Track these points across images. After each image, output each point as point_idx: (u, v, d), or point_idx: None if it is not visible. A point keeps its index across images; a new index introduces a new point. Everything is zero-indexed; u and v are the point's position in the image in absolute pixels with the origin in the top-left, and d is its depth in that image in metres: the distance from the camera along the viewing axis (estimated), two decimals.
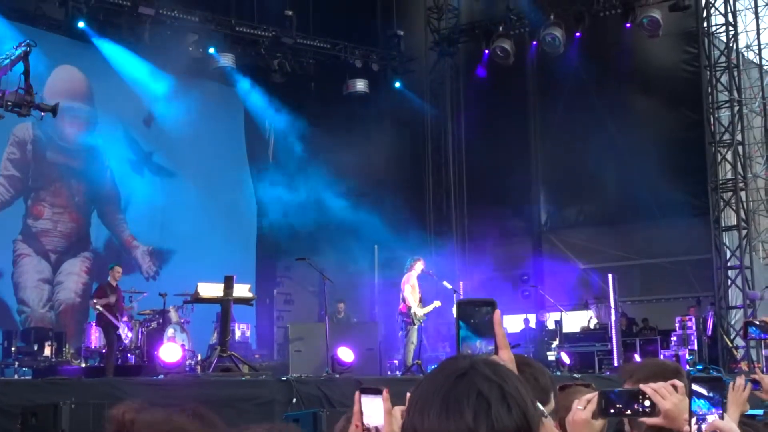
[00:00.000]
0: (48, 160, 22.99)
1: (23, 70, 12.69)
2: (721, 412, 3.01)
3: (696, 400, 3.01)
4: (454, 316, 2.61)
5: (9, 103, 11.96)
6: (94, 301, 17.92)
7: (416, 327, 17.83)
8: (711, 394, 3.01)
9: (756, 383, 5.41)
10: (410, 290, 17.90)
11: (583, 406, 3.26)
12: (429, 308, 18.07)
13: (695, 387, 3.03)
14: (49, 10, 22.79)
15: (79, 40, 23.46)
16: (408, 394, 2.27)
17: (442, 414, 2.10)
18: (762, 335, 6.52)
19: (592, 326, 24.16)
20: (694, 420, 3.01)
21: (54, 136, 23.55)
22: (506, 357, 2.53)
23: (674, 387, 3.23)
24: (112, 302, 17.71)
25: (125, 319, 18.39)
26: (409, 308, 17.75)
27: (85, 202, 24.35)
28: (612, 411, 3.21)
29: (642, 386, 3.23)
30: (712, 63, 24.42)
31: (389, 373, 19.10)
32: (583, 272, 26.83)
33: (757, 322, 6.24)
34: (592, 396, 3.26)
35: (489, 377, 2.13)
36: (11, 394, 10.67)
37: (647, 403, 3.18)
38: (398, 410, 2.62)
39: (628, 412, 3.22)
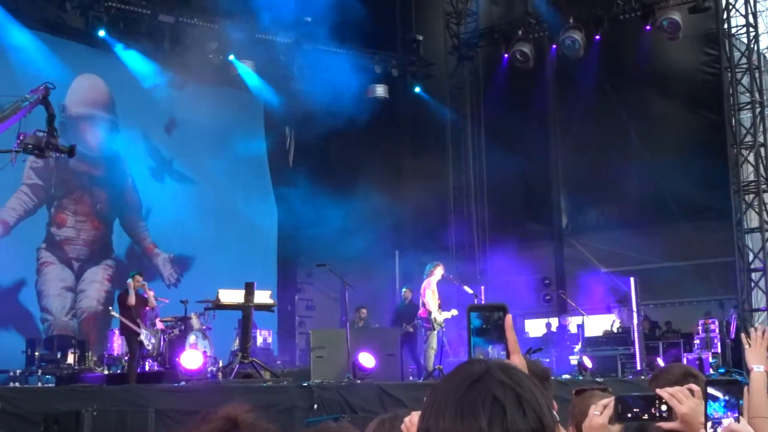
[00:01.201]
0: (70, 168, 23.05)
1: (47, 115, 12.78)
2: (737, 415, 2.99)
3: (712, 403, 3.00)
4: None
5: (29, 146, 12.05)
6: (112, 311, 18.07)
7: (436, 332, 17.82)
8: (727, 398, 3.00)
9: None
10: (431, 295, 17.91)
11: (600, 411, 3.26)
12: (447, 315, 18.04)
13: (711, 390, 3.01)
14: (70, 19, 22.92)
15: (101, 49, 23.59)
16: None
17: (456, 418, 2.09)
18: None
19: (615, 330, 24.08)
20: (709, 424, 2.99)
21: (76, 144, 23.58)
22: (518, 362, 2.52)
23: (691, 391, 3.21)
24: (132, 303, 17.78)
25: (159, 325, 18.44)
26: (430, 313, 17.75)
27: (107, 210, 24.44)
28: (629, 416, 3.20)
29: (659, 391, 3.22)
30: (732, 65, 24.33)
31: (411, 378, 19.07)
32: (604, 276, 26.76)
33: None
34: (609, 401, 3.25)
35: (504, 382, 2.12)
36: (34, 402, 10.72)
37: (664, 407, 3.16)
38: (416, 415, 2.61)
39: (645, 416, 3.21)
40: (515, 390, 2.11)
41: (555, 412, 3.75)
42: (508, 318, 2.56)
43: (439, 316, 17.78)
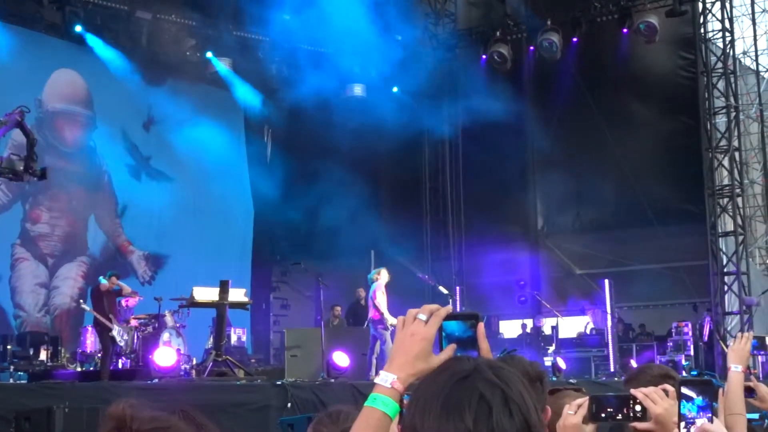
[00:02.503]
0: (46, 163, 22.89)
1: (27, 140, 12.76)
2: (710, 416, 3.00)
3: (685, 403, 3.01)
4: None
5: (6, 170, 12.04)
6: (83, 304, 18.01)
7: (389, 332, 17.60)
8: (701, 398, 3.00)
9: (751, 392, 5.41)
10: (381, 296, 17.60)
11: (574, 410, 3.26)
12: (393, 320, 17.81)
13: (685, 390, 3.02)
14: (47, 13, 22.77)
15: (78, 44, 23.48)
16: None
17: (442, 416, 2.09)
18: (757, 352, 6.47)
19: (588, 332, 24.18)
20: (683, 424, 3.00)
21: (53, 139, 23.55)
22: None
23: (665, 392, 3.22)
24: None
25: (132, 323, 18.38)
26: (382, 314, 17.44)
27: (82, 207, 24.33)
28: (603, 416, 3.20)
29: (633, 391, 3.22)
30: (708, 69, 24.41)
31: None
32: (579, 278, 26.85)
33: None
34: (583, 401, 3.25)
35: (492, 381, 2.12)
36: (5, 399, 10.66)
37: (638, 407, 3.17)
38: (414, 311, 2.59)
39: (619, 416, 3.21)
40: (503, 389, 2.10)
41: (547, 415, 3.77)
42: (481, 326, 2.57)
43: (391, 318, 17.37)
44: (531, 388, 2.19)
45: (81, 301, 18.44)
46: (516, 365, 3.85)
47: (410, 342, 2.49)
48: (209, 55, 24.83)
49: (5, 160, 12.06)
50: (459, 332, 2.55)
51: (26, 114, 12.99)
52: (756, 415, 6.71)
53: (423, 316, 2.51)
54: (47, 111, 23.41)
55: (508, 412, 2.08)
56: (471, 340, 2.54)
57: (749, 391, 5.32)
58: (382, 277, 18.03)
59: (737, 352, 4.94)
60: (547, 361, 22.05)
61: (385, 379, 2.44)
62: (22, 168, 12.15)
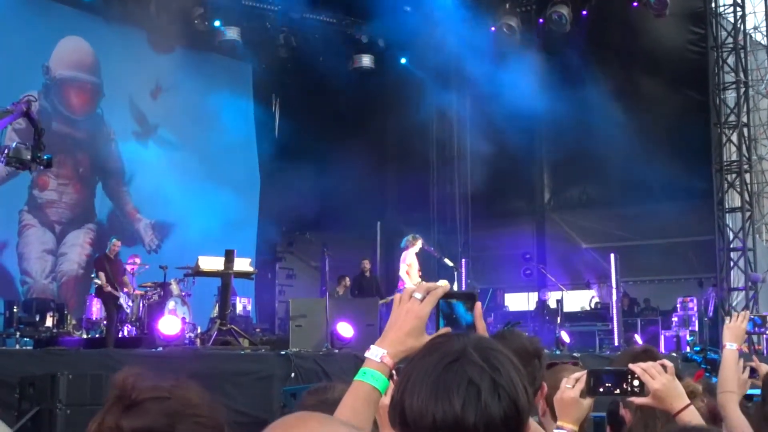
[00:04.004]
0: (54, 130, 22.91)
1: (34, 129, 12.78)
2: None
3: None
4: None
5: (13, 159, 12.07)
6: (96, 278, 18.11)
7: None
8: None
9: (754, 371, 5.44)
10: (405, 269, 17.87)
11: (572, 384, 3.26)
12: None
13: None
14: None
15: (87, 12, 23.44)
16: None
17: (431, 398, 2.09)
18: (759, 329, 6.48)
19: (593, 306, 24.20)
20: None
21: (60, 106, 23.56)
22: None
23: (664, 367, 3.22)
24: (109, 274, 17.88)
25: (126, 290, 18.45)
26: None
27: (89, 174, 24.36)
28: (601, 390, 3.21)
29: (631, 366, 3.23)
30: (718, 44, 24.32)
31: None
32: (585, 252, 26.84)
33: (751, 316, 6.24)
34: (581, 374, 3.26)
35: (480, 365, 2.12)
36: (10, 365, 10.70)
37: (636, 382, 3.18)
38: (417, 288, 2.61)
39: (617, 391, 3.22)
40: (491, 373, 2.11)
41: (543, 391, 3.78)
42: (478, 306, 2.57)
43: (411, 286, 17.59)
44: (522, 368, 2.20)
45: (92, 276, 18.54)
46: (514, 340, 3.86)
47: (404, 318, 2.53)
48: (217, 23, 24.76)
49: (12, 150, 12.09)
50: (456, 312, 2.55)
51: (33, 103, 13.01)
52: (758, 391, 6.73)
53: (419, 295, 2.54)
54: (54, 78, 23.40)
55: (496, 396, 2.08)
56: (469, 324, 2.55)
57: (752, 371, 5.36)
58: (414, 246, 18.09)
59: (733, 330, 4.96)
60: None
61: (376, 353, 2.48)
62: (29, 157, 12.18)
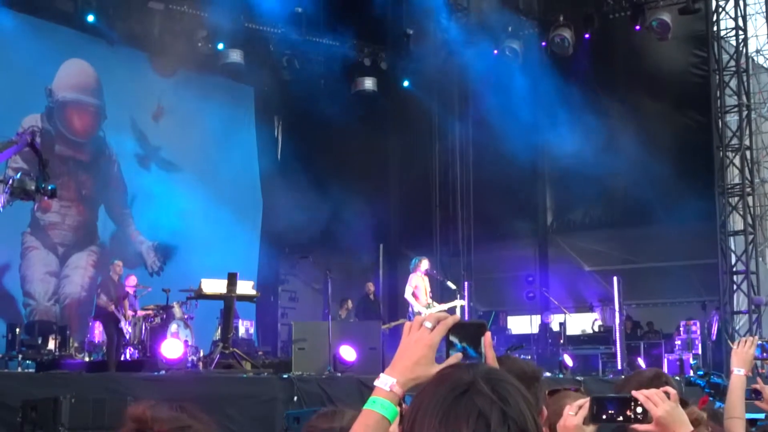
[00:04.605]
0: (56, 152, 22.98)
1: (39, 160, 12.88)
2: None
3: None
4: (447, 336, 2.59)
5: (18, 189, 12.14)
6: (102, 299, 18.10)
7: None
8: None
9: (758, 394, 5.41)
10: (411, 290, 17.88)
11: (575, 411, 3.25)
12: (445, 306, 17.91)
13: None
14: (60, 3, 22.80)
15: (89, 34, 23.51)
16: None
17: (441, 430, 2.10)
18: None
19: (595, 329, 24.17)
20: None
21: (63, 129, 23.61)
22: None
23: (667, 394, 3.21)
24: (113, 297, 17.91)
25: (131, 313, 18.45)
26: (413, 308, 17.73)
27: (92, 196, 24.37)
28: (603, 417, 3.19)
29: (634, 392, 3.21)
30: (721, 67, 24.34)
31: None
32: (588, 275, 26.82)
33: (759, 341, 6.15)
34: (584, 401, 3.24)
35: (490, 396, 2.12)
36: (12, 388, 10.69)
37: (639, 409, 3.16)
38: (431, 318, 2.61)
39: (620, 418, 3.20)
40: (500, 405, 2.11)
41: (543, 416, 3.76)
42: (487, 335, 2.57)
43: (425, 310, 17.68)
44: (529, 395, 2.20)
45: (100, 297, 18.62)
46: (512, 365, 3.85)
47: (414, 347, 2.52)
48: (220, 46, 24.82)
49: (17, 181, 12.14)
50: (466, 341, 2.55)
51: (37, 134, 13.10)
52: (762, 415, 6.72)
53: (429, 324, 2.53)
54: (57, 100, 23.47)
55: (506, 428, 2.09)
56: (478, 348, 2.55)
57: (756, 393, 5.33)
58: (421, 267, 18.09)
59: (740, 356, 4.93)
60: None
61: (385, 382, 2.47)
62: (33, 188, 12.23)
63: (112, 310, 17.83)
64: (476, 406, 2.10)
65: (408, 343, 2.54)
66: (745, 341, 5.01)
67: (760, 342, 5.88)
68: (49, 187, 12.48)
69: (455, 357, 2.51)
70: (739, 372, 4.86)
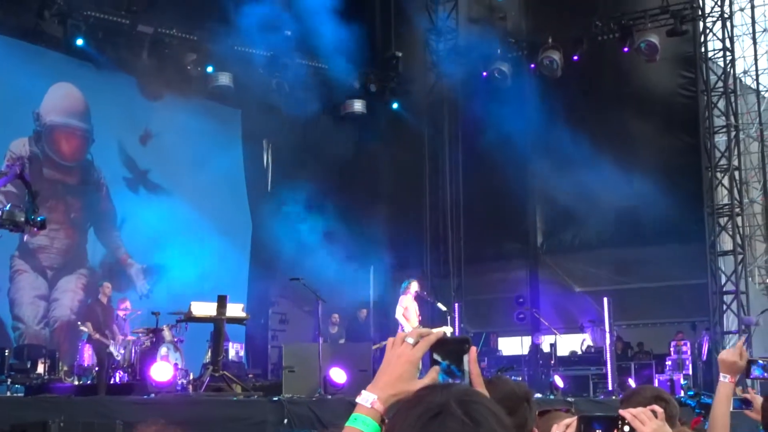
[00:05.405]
0: (45, 176, 22.95)
1: (28, 192, 12.91)
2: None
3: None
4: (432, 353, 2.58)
5: (7, 221, 12.17)
6: (82, 325, 18.08)
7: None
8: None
9: (748, 403, 5.38)
10: (401, 311, 17.92)
11: (562, 431, 3.25)
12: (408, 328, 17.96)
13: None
14: (48, 27, 22.73)
15: (77, 58, 23.49)
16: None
17: None
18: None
19: (583, 349, 24.18)
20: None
21: (51, 152, 23.56)
22: None
23: (654, 413, 3.21)
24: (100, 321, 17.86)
25: (121, 337, 18.40)
26: (403, 329, 17.73)
27: (81, 219, 24.31)
28: None
29: (621, 411, 3.21)
30: (709, 88, 24.45)
31: None
32: (578, 296, 26.82)
33: (761, 361, 5.86)
34: (571, 421, 3.24)
35: (461, 419, 2.10)
36: (1, 412, 10.65)
37: (626, 428, 3.16)
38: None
39: None
40: (472, 428, 2.09)
41: None
42: (472, 351, 2.55)
43: (407, 326, 17.71)
44: (509, 418, 2.18)
45: (79, 323, 18.53)
46: (502, 386, 3.84)
47: (395, 363, 2.50)
48: (210, 69, 24.82)
49: (6, 212, 12.15)
50: (450, 358, 2.54)
51: (27, 166, 13.16)
52: None
53: (411, 340, 2.52)
54: (45, 124, 23.42)
55: None
56: (462, 365, 2.53)
57: (746, 403, 5.31)
58: (411, 289, 18.16)
59: (726, 363, 4.72)
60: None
61: (366, 399, 2.45)
62: (23, 219, 12.24)
63: (97, 338, 17.79)
64: (447, 430, 2.08)
65: (390, 359, 2.52)
66: (735, 352, 4.89)
67: (762, 362, 5.69)
68: (39, 219, 12.47)
69: (434, 371, 2.50)
70: (724, 379, 4.71)
